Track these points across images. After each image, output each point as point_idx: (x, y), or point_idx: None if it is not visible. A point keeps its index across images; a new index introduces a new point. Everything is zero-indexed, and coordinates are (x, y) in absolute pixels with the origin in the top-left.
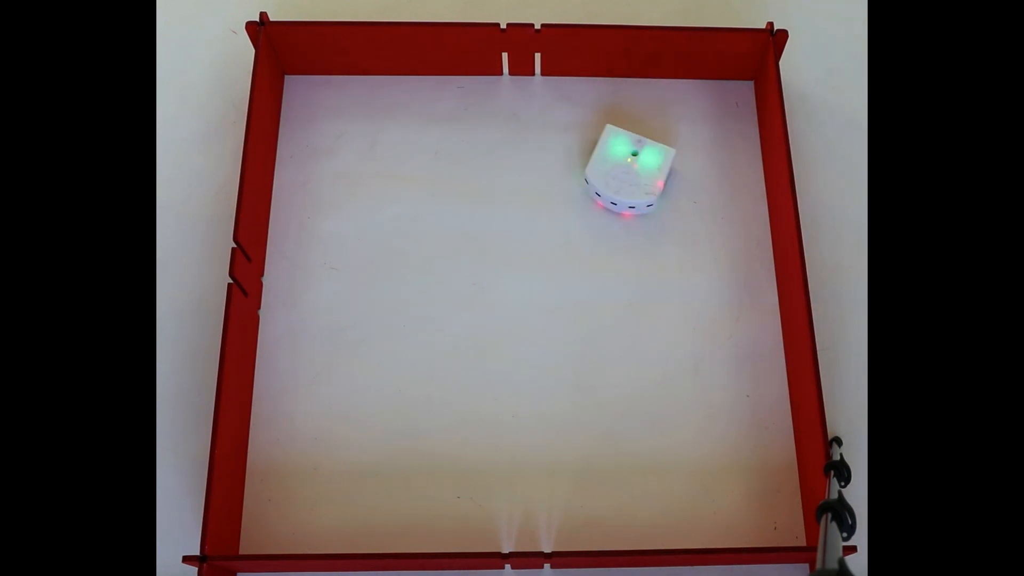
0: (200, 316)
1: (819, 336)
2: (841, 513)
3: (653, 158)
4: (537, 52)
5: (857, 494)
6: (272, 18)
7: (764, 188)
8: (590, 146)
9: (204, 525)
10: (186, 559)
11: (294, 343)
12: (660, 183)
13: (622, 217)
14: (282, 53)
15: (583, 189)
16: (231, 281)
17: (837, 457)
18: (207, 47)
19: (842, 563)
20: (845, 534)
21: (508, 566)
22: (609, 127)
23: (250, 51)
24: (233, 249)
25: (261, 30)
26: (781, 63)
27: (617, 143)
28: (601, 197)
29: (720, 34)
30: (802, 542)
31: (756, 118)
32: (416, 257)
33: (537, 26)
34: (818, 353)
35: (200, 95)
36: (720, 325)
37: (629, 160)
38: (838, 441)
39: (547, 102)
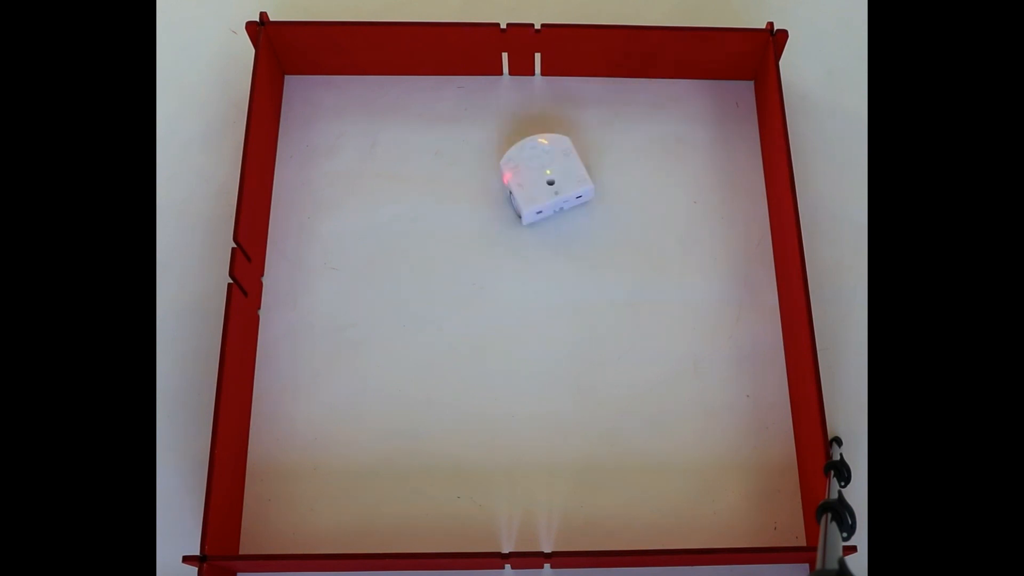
0: (200, 316)
1: (819, 336)
2: (841, 513)
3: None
4: (537, 52)
5: (857, 494)
6: (272, 18)
7: (764, 188)
8: (590, 146)
9: (204, 525)
10: (186, 559)
11: (294, 343)
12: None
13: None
14: (282, 53)
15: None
16: (231, 281)
17: (837, 457)
18: (207, 47)
19: (842, 563)
20: (845, 534)
21: (508, 566)
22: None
23: (250, 51)
24: (233, 249)
25: (261, 30)
26: (781, 63)
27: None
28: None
29: (720, 34)
30: (802, 542)
31: (756, 118)
32: (416, 257)
33: (537, 26)
34: (818, 353)
35: (200, 95)
36: (720, 325)
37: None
38: (838, 441)
39: (547, 102)
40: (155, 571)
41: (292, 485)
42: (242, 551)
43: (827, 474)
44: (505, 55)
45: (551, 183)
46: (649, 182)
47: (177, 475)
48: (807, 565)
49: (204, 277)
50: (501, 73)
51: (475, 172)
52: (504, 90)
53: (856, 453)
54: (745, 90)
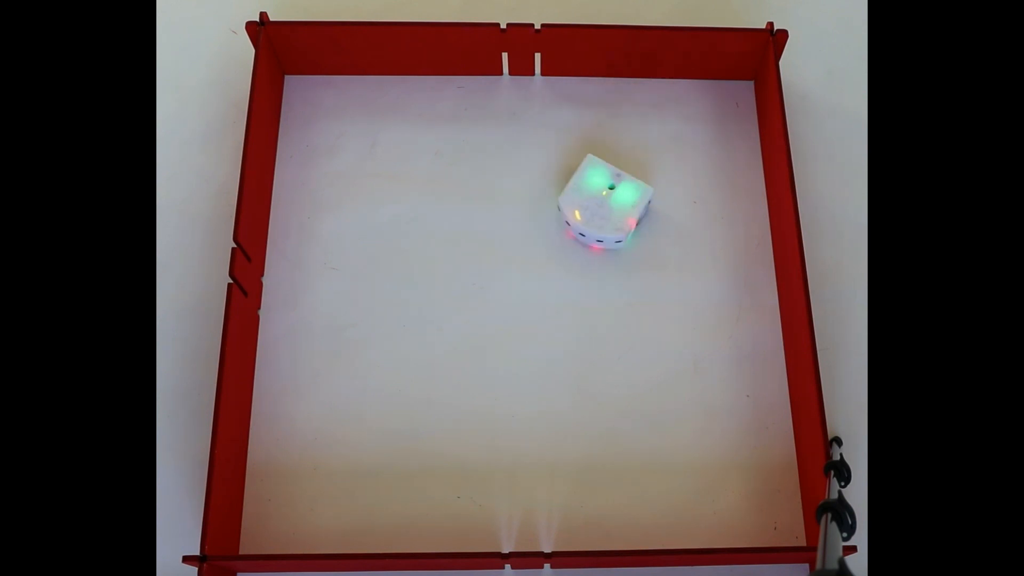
0: (200, 316)
1: (819, 336)
2: (841, 513)
3: (628, 194)
4: (537, 52)
5: (857, 494)
6: (272, 18)
7: (764, 188)
8: (589, 147)
9: (204, 525)
10: (186, 559)
11: (294, 343)
12: (632, 221)
13: (590, 250)
14: (282, 53)
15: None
16: (231, 281)
17: (837, 457)
18: (207, 47)
19: (842, 563)
20: (845, 534)
21: (508, 566)
22: (590, 156)
23: (250, 51)
24: (233, 249)
25: (261, 30)
26: (781, 63)
27: (595, 174)
28: (571, 227)
29: (720, 34)
30: (802, 542)
31: (756, 118)
32: (416, 257)
33: (537, 26)
34: (818, 353)
35: (200, 95)
36: (720, 325)
37: (604, 193)
38: (838, 441)
39: (547, 102)
40: (155, 571)
41: (292, 485)
42: (242, 551)
43: (827, 474)
44: (505, 55)
45: (612, 188)
46: (649, 182)
47: (177, 475)
48: (807, 565)
49: (204, 277)
50: (501, 73)
51: (475, 172)
52: (504, 90)
53: (856, 453)
54: (745, 90)
